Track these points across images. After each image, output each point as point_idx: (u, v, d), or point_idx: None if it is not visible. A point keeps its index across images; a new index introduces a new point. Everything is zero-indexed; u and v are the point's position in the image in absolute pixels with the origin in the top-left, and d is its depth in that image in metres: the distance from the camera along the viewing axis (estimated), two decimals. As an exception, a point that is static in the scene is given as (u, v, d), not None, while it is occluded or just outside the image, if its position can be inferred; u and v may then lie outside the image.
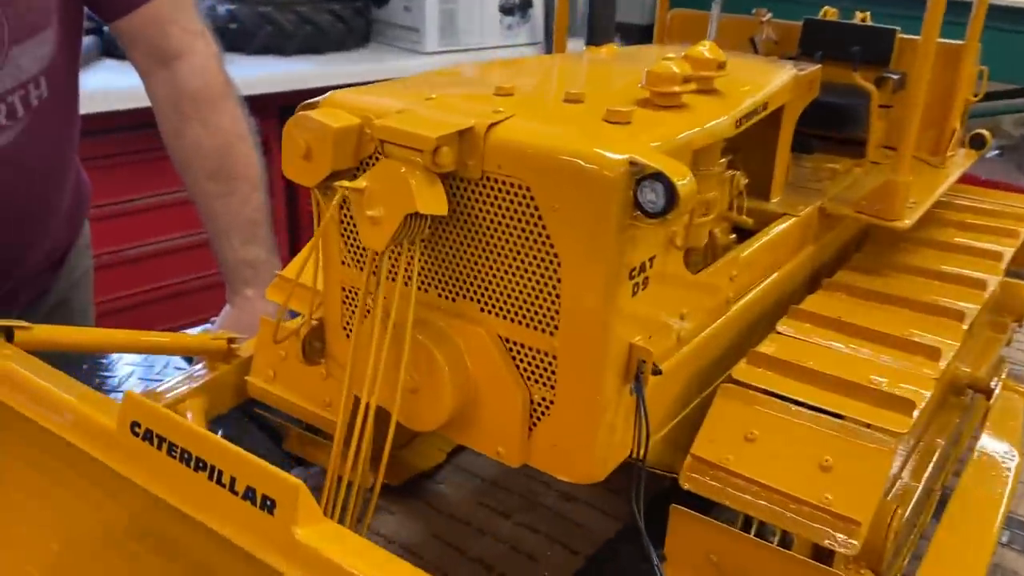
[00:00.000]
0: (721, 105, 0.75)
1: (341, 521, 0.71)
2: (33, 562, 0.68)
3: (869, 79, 1.10)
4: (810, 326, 0.85)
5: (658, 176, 0.59)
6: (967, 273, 0.98)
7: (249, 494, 0.52)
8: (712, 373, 0.82)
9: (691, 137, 0.68)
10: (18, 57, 1.14)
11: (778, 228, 0.91)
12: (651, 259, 0.66)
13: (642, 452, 0.67)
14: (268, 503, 0.51)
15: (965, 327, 0.87)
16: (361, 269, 0.73)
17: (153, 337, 0.93)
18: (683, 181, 0.59)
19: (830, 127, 1.12)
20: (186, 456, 0.54)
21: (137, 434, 0.57)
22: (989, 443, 0.94)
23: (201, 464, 0.54)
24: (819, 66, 1.00)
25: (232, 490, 0.52)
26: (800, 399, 0.74)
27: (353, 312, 0.76)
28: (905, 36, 1.13)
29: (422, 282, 0.72)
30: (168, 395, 0.96)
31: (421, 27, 2.56)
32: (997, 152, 2.72)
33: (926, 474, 0.93)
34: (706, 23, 1.23)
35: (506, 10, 2.72)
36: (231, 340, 1.02)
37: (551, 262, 0.64)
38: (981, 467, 0.90)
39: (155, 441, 0.56)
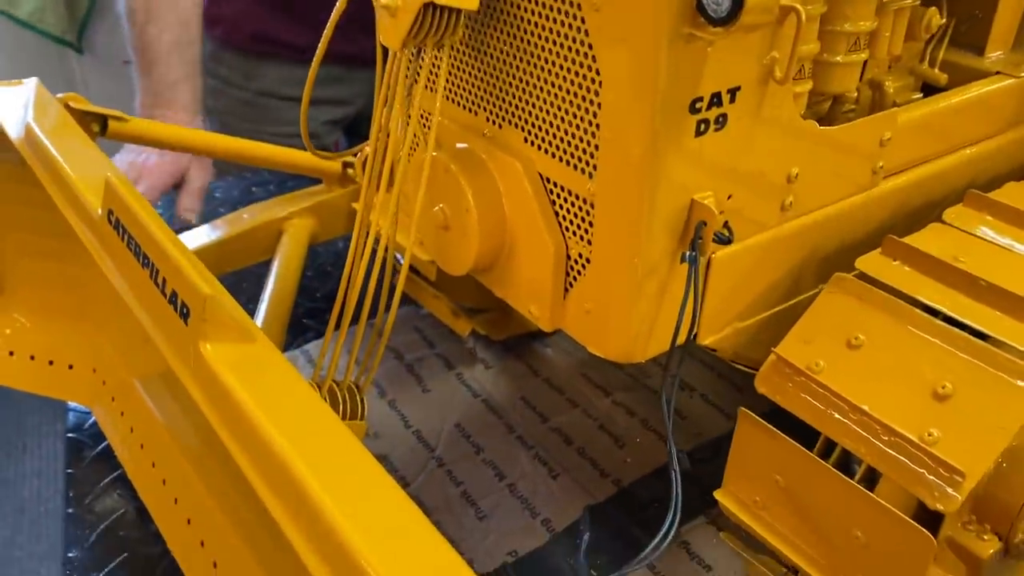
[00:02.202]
0: None
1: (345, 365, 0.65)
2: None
3: None
4: (992, 219, 0.65)
5: (725, -33, 0.43)
6: None
7: (173, 299, 0.46)
8: (841, 263, 0.65)
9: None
10: None
11: (980, 90, 0.69)
12: (732, 91, 0.51)
13: (688, 336, 0.54)
14: (185, 311, 0.45)
15: None
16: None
17: (257, 148, 0.91)
18: (759, -24, 0.43)
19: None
20: (137, 250, 0.50)
21: (111, 222, 0.53)
22: None
23: (147, 261, 0.49)
24: None
25: (163, 291, 0.47)
26: (934, 304, 0.57)
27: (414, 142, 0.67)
28: None
29: (471, 102, 0.61)
30: (273, 211, 0.95)
31: None
32: None
33: None
34: None
35: None
36: (347, 163, 0.97)
37: (592, 81, 0.50)
38: None
39: (120, 231, 0.52)
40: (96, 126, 0.80)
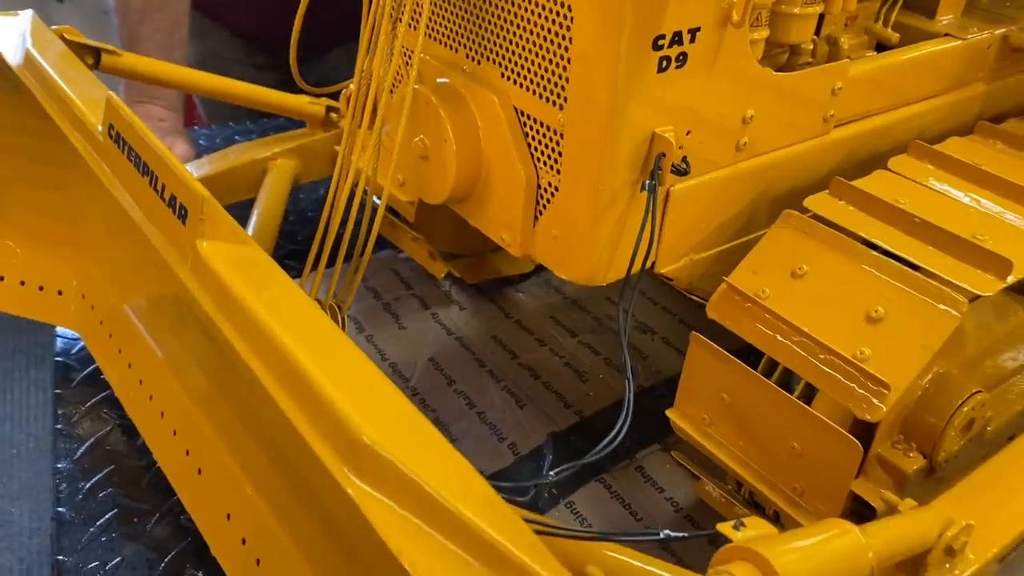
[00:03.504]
0: None
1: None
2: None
3: None
4: (932, 167, 0.70)
5: (687, -89, 0.47)
6: None
7: (172, 202, 0.50)
8: (792, 204, 0.70)
9: None
10: None
11: (928, 49, 0.74)
12: (692, 31, 0.55)
13: (644, 263, 0.59)
14: (183, 212, 0.49)
15: None
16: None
17: (244, 89, 0.94)
18: (718, -79, 0.47)
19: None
20: (137, 160, 0.54)
21: (111, 137, 0.57)
22: None
23: (146, 170, 0.53)
24: None
25: (162, 196, 0.51)
26: (872, 239, 0.62)
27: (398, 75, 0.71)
28: None
29: (451, 39, 0.65)
30: (258, 151, 0.98)
31: None
32: None
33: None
34: None
35: None
36: (331, 107, 1.01)
37: (565, 17, 0.54)
38: None
39: (121, 144, 0.55)
40: (90, 58, 0.83)
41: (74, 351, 0.92)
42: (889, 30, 0.75)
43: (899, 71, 0.72)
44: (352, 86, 0.76)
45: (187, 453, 0.71)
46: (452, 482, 0.36)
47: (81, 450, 0.81)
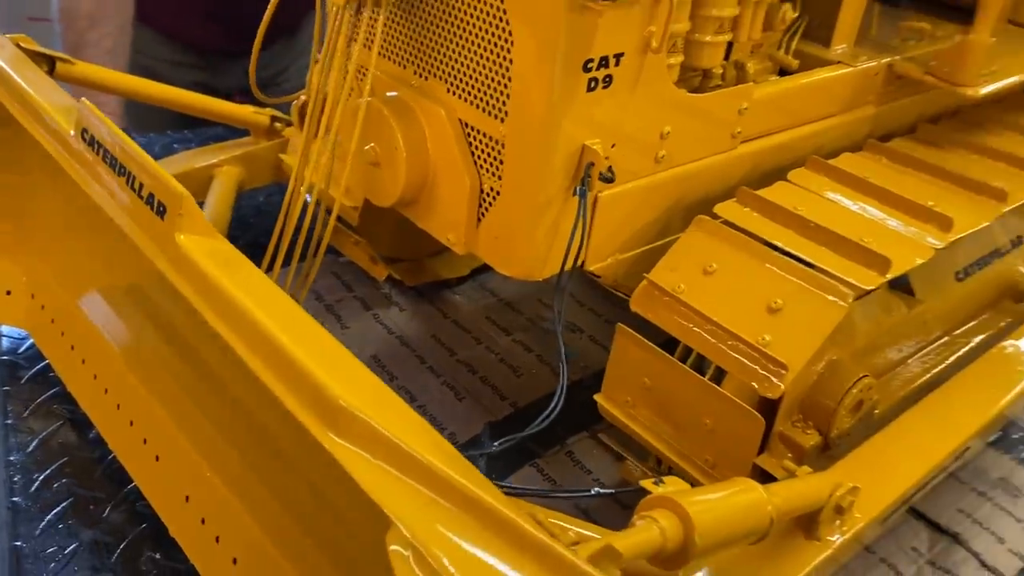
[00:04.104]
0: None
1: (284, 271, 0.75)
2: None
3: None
4: (826, 179, 0.79)
5: (613, -49, 0.55)
6: (1038, 160, 0.87)
7: (150, 200, 0.55)
8: (704, 211, 0.78)
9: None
10: None
11: (824, 75, 0.83)
12: (617, 56, 0.63)
13: (572, 262, 0.66)
14: (161, 208, 0.54)
15: (1006, 208, 0.78)
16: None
17: (191, 98, 0.98)
18: (639, -40, 0.55)
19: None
20: (113, 162, 0.58)
21: (84, 139, 0.61)
22: (1014, 342, 0.86)
23: (122, 169, 0.57)
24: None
25: (139, 194, 0.56)
26: (773, 241, 0.70)
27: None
28: None
29: (400, 58, 0.71)
30: (204, 158, 1.02)
31: None
32: None
33: (939, 368, 0.87)
34: None
35: None
36: (275, 116, 1.05)
37: (505, 40, 0.61)
38: (992, 361, 0.82)
39: (95, 147, 0.60)
40: (45, 66, 0.86)
41: (21, 350, 0.94)
42: (790, 57, 0.84)
43: (798, 94, 0.81)
44: (303, 97, 0.82)
45: (144, 442, 0.75)
46: (418, 437, 0.42)
47: (33, 443, 0.84)
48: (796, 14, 0.81)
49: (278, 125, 1.06)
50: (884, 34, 0.95)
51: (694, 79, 0.77)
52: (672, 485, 0.52)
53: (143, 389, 0.76)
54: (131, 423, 0.77)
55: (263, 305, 0.49)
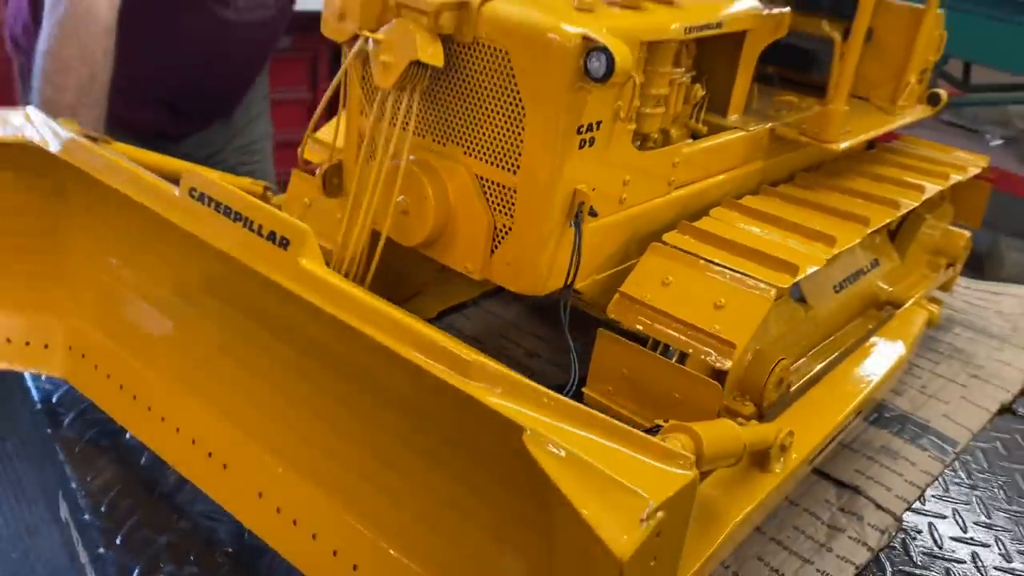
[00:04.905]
0: (675, 14, 0.93)
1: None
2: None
3: (837, 30, 1.26)
4: (738, 214, 1.04)
5: (603, 49, 0.77)
6: (886, 196, 1.16)
7: (271, 236, 0.72)
8: (656, 239, 1.01)
9: (639, 29, 0.86)
10: None
11: (725, 137, 1.09)
12: (598, 123, 0.85)
13: (573, 277, 0.87)
14: (284, 242, 0.71)
15: (868, 231, 1.05)
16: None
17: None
18: (622, 55, 0.77)
19: (797, 67, 1.29)
20: (227, 211, 0.75)
21: (194, 197, 0.77)
22: (882, 338, 1.12)
23: (238, 216, 0.74)
24: (787, 9, 1.17)
25: (259, 234, 0.72)
26: (710, 258, 0.93)
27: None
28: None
29: (421, 129, 0.91)
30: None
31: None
32: (1001, 141, 2.85)
33: (828, 360, 1.12)
34: None
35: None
36: (266, 187, 1.22)
37: (519, 113, 0.82)
38: (865, 352, 1.08)
39: (207, 201, 0.76)
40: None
41: (55, 398, 1.05)
42: (700, 124, 1.09)
43: (711, 152, 1.06)
44: (326, 165, 1.00)
45: (224, 467, 0.88)
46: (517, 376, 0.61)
47: (91, 479, 0.95)
48: (704, 92, 1.07)
49: (269, 194, 1.22)
50: (763, 106, 1.23)
51: (637, 141, 1.00)
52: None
53: (205, 412, 0.90)
54: (193, 442, 0.91)
55: (379, 301, 0.67)
